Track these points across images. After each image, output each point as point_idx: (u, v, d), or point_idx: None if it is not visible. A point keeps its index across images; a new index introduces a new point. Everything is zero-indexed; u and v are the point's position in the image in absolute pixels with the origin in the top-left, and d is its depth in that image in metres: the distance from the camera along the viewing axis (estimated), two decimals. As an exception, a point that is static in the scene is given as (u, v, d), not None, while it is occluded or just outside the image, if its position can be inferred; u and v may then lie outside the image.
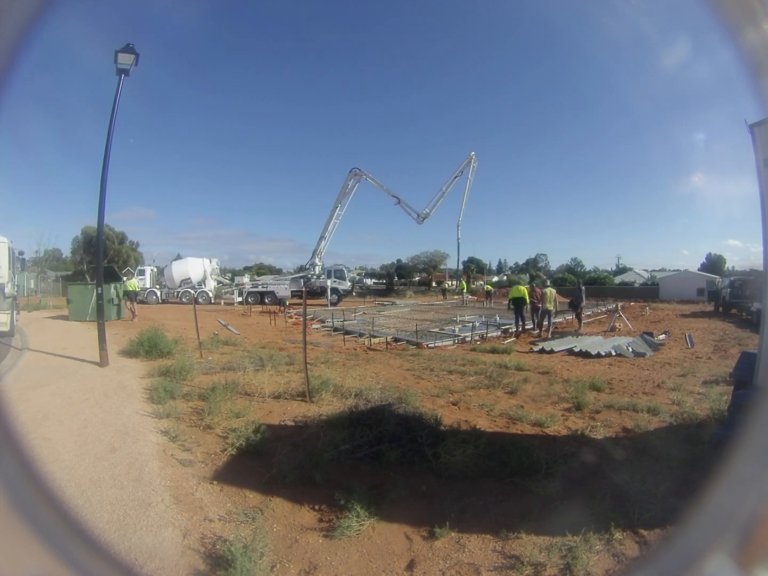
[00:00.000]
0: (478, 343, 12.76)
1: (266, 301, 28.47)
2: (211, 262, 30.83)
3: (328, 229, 30.90)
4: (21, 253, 16.54)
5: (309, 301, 20.73)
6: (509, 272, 60.98)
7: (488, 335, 13.70)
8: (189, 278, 29.26)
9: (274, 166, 75.81)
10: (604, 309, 22.79)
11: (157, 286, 30.51)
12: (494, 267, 64.06)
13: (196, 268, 29.92)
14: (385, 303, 28.72)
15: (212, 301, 28.58)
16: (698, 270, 40.51)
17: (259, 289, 29.70)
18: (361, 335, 14.04)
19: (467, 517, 3.38)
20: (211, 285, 29.71)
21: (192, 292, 27.72)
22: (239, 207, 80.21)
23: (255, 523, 3.23)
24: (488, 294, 29.42)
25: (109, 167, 9.10)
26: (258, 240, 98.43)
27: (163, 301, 29.05)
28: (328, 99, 73.58)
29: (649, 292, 36.01)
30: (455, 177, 32.90)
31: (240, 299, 28.22)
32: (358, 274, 52.30)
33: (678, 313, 21.49)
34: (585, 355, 10.60)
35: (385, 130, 75.20)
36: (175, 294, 29.09)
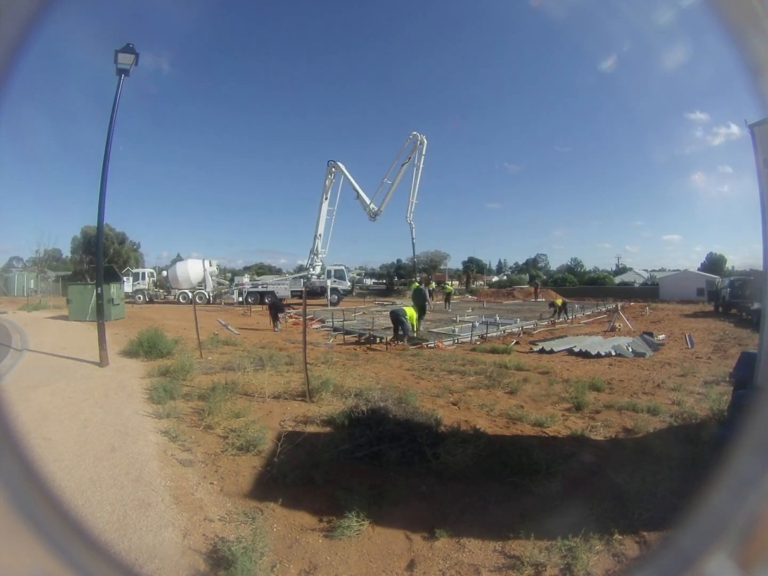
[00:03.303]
0: (478, 343, 12.76)
1: (266, 301, 28.50)
2: (211, 264, 30.90)
3: (320, 226, 30.47)
4: None
5: (309, 301, 20.71)
6: (509, 272, 60.96)
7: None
8: (189, 279, 29.39)
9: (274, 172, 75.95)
10: (603, 309, 22.80)
11: (155, 287, 30.66)
12: (494, 267, 64.07)
13: (196, 269, 30.00)
14: (385, 303, 28.71)
15: (210, 302, 28.61)
16: (698, 270, 40.55)
17: (259, 289, 29.73)
18: (361, 335, 14.04)
19: (467, 517, 3.38)
20: (210, 286, 29.81)
21: (188, 292, 27.86)
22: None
23: (255, 523, 3.23)
24: (447, 296, 25.91)
25: (109, 167, 9.15)
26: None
27: (150, 301, 29.23)
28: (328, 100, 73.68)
29: (649, 292, 36.06)
30: (403, 165, 26.58)
31: (240, 299, 28.25)
32: (358, 274, 52.27)
33: (678, 313, 21.49)
34: (585, 355, 10.60)
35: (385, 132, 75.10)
36: (174, 295, 29.18)
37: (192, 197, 75.89)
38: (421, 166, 25.97)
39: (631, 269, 53.38)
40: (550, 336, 14.22)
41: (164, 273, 31.99)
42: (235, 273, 42.42)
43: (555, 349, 11.29)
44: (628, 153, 72.24)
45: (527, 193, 78.89)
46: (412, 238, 26.67)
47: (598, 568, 2.82)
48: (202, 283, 29.93)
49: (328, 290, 28.42)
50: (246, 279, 32.63)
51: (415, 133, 26.09)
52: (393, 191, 26.95)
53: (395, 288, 47.15)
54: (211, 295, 29.36)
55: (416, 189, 26.13)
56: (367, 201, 27.92)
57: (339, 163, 29.18)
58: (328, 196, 29.86)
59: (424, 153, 25.83)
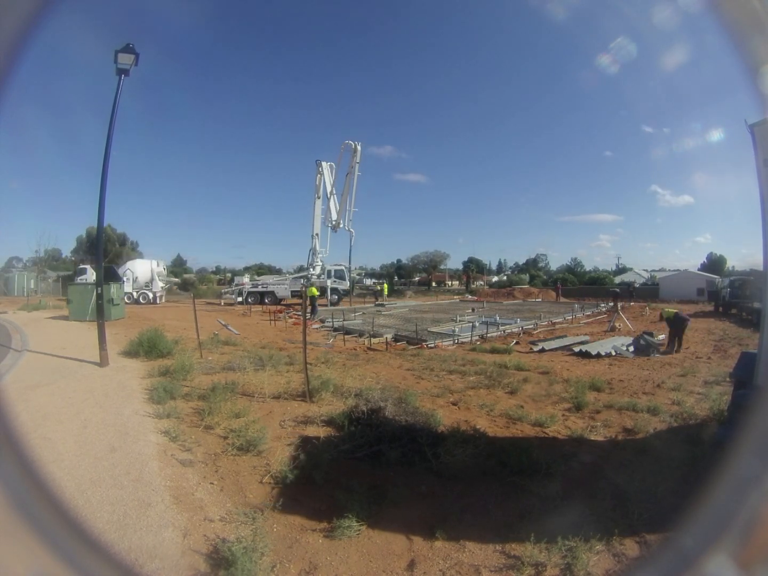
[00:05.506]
0: (478, 343, 12.76)
1: (266, 301, 28.50)
2: (158, 264, 30.92)
3: (315, 225, 30.40)
4: None
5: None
6: (509, 272, 60.93)
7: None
8: (137, 279, 29.30)
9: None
10: (603, 309, 22.80)
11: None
12: (494, 267, 64.01)
13: (143, 269, 29.90)
14: (384, 303, 28.72)
15: (156, 302, 28.49)
16: (698, 270, 40.54)
17: (259, 289, 29.71)
18: (361, 335, 14.04)
19: (467, 517, 3.38)
20: (158, 286, 29.77)
21: (148, 293, 28.03)
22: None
23: (255, 524, 3.23)
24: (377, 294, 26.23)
25: (109, 167, 9.15)
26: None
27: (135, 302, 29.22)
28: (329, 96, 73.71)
29: (649, 292, 36.01)
30: (347, 174, 27.29)
31: (240, 299, 28.22)
32: (358, 275, 52.24)
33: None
34: (585, 355, 10.59)
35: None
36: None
37: (190, 196, 75.93)
38: (357, 173, 26.58)
39: (631, 269, 53.35)
40: (550, 336, 14.22)
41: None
42: (236, 273, 42.32)
43: (555, 349, 11.30)
44: (627, 153, 72.21)
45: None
46: (350, 246, 28.64)
47: (598, 568, 2.82)
48: (150, 283, 29.85)
49: (328, 290, 28.40)
50: (246, 279, 32.60)
51: (348, 141, 26.60)
52: (345, 202, 27.68)
53: (395, 288, 47.18)
54: (157, 295, 29.29)
55: (353, 196, 26.69)
56: (334, 210, 28.46)
57: (323, 163, 29.44)
58: (320, 195, 29.91)
59: (358, 161, 26.59)
